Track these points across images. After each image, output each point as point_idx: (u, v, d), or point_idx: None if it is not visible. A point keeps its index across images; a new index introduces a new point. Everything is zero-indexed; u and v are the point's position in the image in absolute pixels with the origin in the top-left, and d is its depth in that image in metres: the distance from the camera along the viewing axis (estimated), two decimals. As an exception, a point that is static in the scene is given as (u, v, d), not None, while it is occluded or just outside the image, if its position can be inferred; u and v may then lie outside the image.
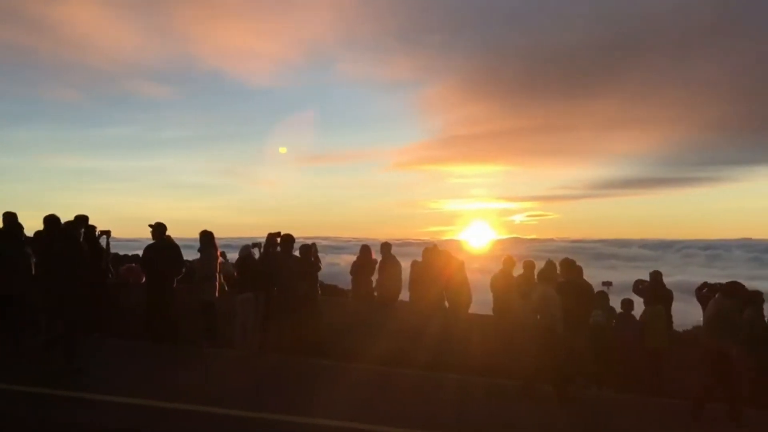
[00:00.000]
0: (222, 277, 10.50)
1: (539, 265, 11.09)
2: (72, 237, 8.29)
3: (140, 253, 10.93)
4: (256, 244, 10.52)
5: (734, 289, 8.19)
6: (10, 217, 8.94)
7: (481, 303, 11.71)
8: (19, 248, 8.83)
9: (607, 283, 9.92)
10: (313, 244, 10.78)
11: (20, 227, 9.03)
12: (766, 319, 9.56)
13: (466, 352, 9.88)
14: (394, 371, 9.36)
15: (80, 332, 8.04)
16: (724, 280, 9.10)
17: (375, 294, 11.27)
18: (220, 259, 10.58)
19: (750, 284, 10.37)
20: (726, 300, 8.11)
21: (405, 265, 11.49)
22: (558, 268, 9.85)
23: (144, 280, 10.64)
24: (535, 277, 9.04)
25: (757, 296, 8.87)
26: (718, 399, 8.08)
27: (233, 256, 11.06)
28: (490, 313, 11.10)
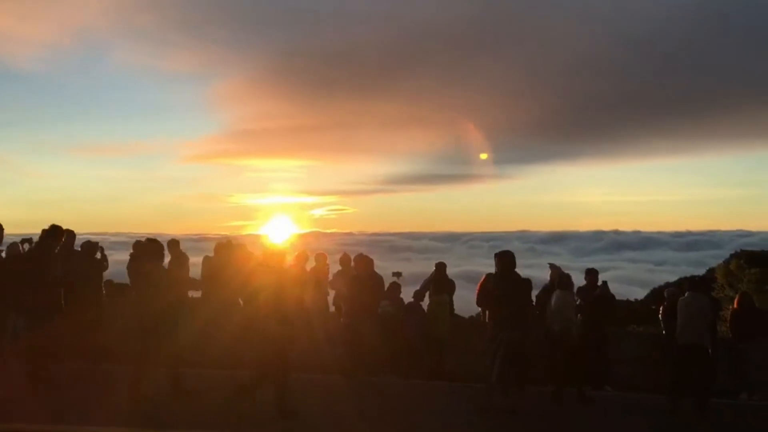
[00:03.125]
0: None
1: (334, 258, 11.39)
2: None
3: None
4: (27, 241, 9.53)
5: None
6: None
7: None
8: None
9: (397, 274, 10.38)
10: (96, 243, 10.11)
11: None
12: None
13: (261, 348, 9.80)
14: (185, 371, 9.04)
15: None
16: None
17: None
18: (-17, 258, 9.46)
19: (526, 272, 11.44)
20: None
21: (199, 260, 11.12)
22: (352, 261, 10.18)
23: None
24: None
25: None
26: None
27: (-1, 254, 9.91)
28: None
